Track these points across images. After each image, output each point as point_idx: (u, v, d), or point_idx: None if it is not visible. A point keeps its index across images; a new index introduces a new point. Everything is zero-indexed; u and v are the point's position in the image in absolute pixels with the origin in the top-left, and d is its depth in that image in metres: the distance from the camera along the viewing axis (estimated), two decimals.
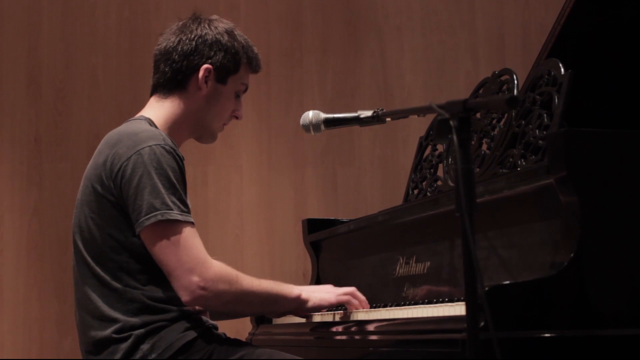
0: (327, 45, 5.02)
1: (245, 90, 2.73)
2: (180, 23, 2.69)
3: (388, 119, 2.40)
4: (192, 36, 2.64)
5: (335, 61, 5.02)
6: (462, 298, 2.27)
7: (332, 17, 5.03)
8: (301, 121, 2.56)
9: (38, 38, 4.65)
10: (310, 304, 2.63)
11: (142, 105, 4.75)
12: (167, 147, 2.45)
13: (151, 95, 2.69)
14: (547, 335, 2.09)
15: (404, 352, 2.36)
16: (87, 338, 2.49)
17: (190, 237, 2.41)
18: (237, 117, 2.74)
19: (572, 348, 2.11)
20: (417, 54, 5.14)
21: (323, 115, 2.53)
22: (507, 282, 2.14)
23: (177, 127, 2.63)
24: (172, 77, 2.63)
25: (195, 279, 2.39)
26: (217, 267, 2.43)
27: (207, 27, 2.65)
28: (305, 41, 5.00)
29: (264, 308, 2.68)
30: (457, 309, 2.23)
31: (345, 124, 2.51)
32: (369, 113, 2.41)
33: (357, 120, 2.44)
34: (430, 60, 5.15)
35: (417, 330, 2.32)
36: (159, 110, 2.63)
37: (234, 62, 2.65)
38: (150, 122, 2.58)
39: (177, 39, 2.65)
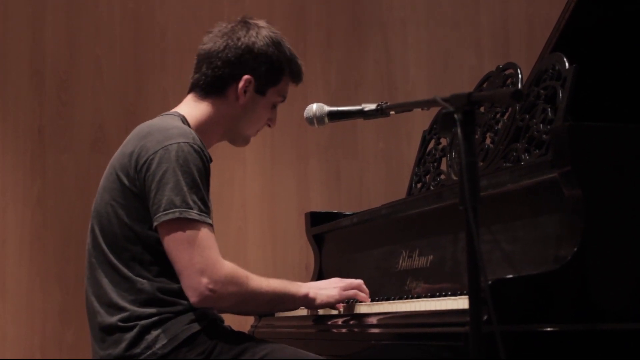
0: (331, 38, 5.01)
1: (282, 101, 2.74)
2: (230, 26, 2.68)
3: (392, 112, 2.40)
4: (239, 44, 2.63)
5: (339, 54, 5.01)
6: (465, 292, 2.27)
7: (337, 10, 5.03)
8: (305, 114, 2.56)
9: (42, 29, 4.65)
10: (317, 302, 2.63)
11: (145, 96, 4.78)
12: (195, 146, 2.46)
13: (189, 92, 2.69)
14: (549, 329, 2.09)
15: (406, 345, 2.36)
16: (94, 323, 2.50)
17: (205, 238, 2.41)
18: (269, 126, 2.76)
19: (574, 342, 2.11)
20: (421, 48, 5.13)
21: (327, 108, 2.53)
22: (510, 276, 2.14)
23: (208, 130, 2.64)
24: (212, 82, 2.64)
25: (205, 280, 2.39)
26: (228, 269, 2.43)
27: (255, 35, 2.65)
28: (309, 34, 4.99)
29: (272, 308, 2.69)
30: (460, 302, 2.23)
31: (349, 117, 2.51)
32: (373, 106, 2.41)
33: (361, 113, 2.44)
34: (435, 54, 5.15)
35: (419, 323, 2.32)
36: (194, 110, 2.64)
37: (276, 74, 2.67)
38: (184, 120, 2.60)
39: (224, 43, 2.64)
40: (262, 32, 2.66)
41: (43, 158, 4.58)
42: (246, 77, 2.63)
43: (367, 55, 5.05)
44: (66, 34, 4.67)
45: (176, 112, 2.64)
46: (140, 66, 4.72)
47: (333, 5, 5.03)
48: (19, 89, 4.59)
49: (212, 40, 2.67)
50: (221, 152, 4.78)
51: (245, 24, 2.68)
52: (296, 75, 2.73)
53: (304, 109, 2.57)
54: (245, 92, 2.64)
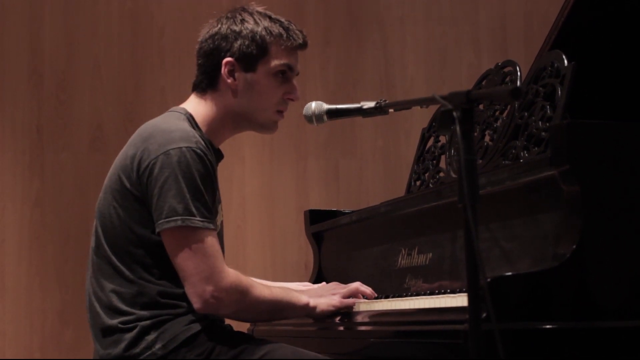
0: (329, 36, 5.01)
1: (291, 70, 2.62)
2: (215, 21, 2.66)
3: (391, 110, 2.40)
4: (209, 35, 2.62)
5: (337, 52, 5.01)
6: (464, 289, 2.27)
7: (335, 8, 5.03)
8: (304, 112, 2.56)
9: (40, 28, 4.65)
10: (318, 310, 2.62)
11: (144, 95, 4.78)
12: (198, 150, 2.42)
13: (192, 91, 2.66)
14: (548, 326, 2.09)
15: (405, 343, 2.36)
16: (94, 323, 2.50)
17: (209, 245, 2.40)
18: (291, 99, 2.64)
19: (573, 339, 2.11)
20: (419, 46, 5.13)
21: (326, 106, 2.53)
22: (509, 273, 2.14)
23: (217, 125, 2.60)
24: (202, 79, 2.62)
25: (210, 288, 2.39)
26: (232, 277, 2.42)
27: (225, 20, 2.61)
28: (307, 32, 4.97)
29: (272, 316, 2.65)
30: (459, 300, 2.23)
31: (348, 115, 2.50)
32: (371, 104, 2.41)
33: (360, 111, 2.44)
34: (433, 51, 5.15)
35: (419, 321, 2.32)
36: (199, 108, 2.60)
37: (257, 46, 2.58)
38: (190, 118, 2.56)
39: (202, 39, 2.64)
40: (233, 14, 2.61)
41: (41, 157, 4.58)
42: (225, 60, 2.58)
43: (365, 53, 5.05)
44: (64, 34, 4.67)
45: (183, 108, 2.60)
46: (139, 65, 4.72)
47: (331, 3, 5.03)
48: (17, 88, 4.59)
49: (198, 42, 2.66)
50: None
51: (221, 16, 2.64)
52: (285, 36, 2.62)
53: (303, 107, 2.56)
54: (233, 75, 2.58)
